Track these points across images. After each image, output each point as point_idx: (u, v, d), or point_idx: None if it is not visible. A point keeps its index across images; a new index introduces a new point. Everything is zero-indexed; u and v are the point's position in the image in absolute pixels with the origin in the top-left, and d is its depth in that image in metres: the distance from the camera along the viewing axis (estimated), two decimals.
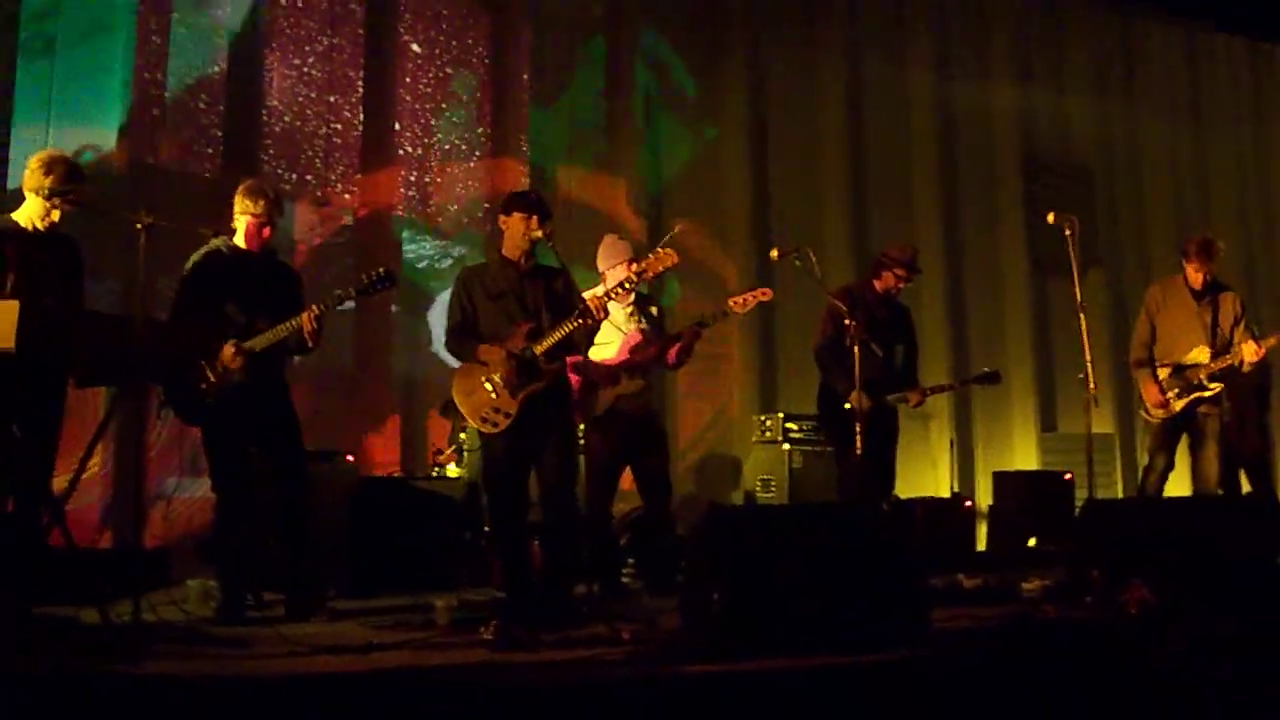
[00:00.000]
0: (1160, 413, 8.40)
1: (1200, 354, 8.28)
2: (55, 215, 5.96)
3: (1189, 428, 8.45)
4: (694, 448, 11.49)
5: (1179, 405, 8.32)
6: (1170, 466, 8.48)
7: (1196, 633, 5.27)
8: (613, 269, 7.72)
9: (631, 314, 7.77)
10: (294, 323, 6.36)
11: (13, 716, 3.95)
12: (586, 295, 6.68)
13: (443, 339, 6.97)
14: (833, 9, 12.75)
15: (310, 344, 6.47)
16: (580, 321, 6.33)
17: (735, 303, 7.79)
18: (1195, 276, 8.47)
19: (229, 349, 6.34)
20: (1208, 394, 8.25)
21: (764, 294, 7.82)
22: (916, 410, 8.76)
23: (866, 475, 7.58)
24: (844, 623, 5.19)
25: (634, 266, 7.08)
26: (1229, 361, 8.20)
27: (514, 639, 5.28)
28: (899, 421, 8.46)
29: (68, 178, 5.94)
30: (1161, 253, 13.36)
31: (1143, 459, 9.15)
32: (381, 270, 6.64)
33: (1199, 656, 5.11)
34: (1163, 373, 8.41)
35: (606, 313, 6.45)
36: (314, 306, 6.39)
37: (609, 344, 7.60)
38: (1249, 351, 8.14)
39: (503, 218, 6.70)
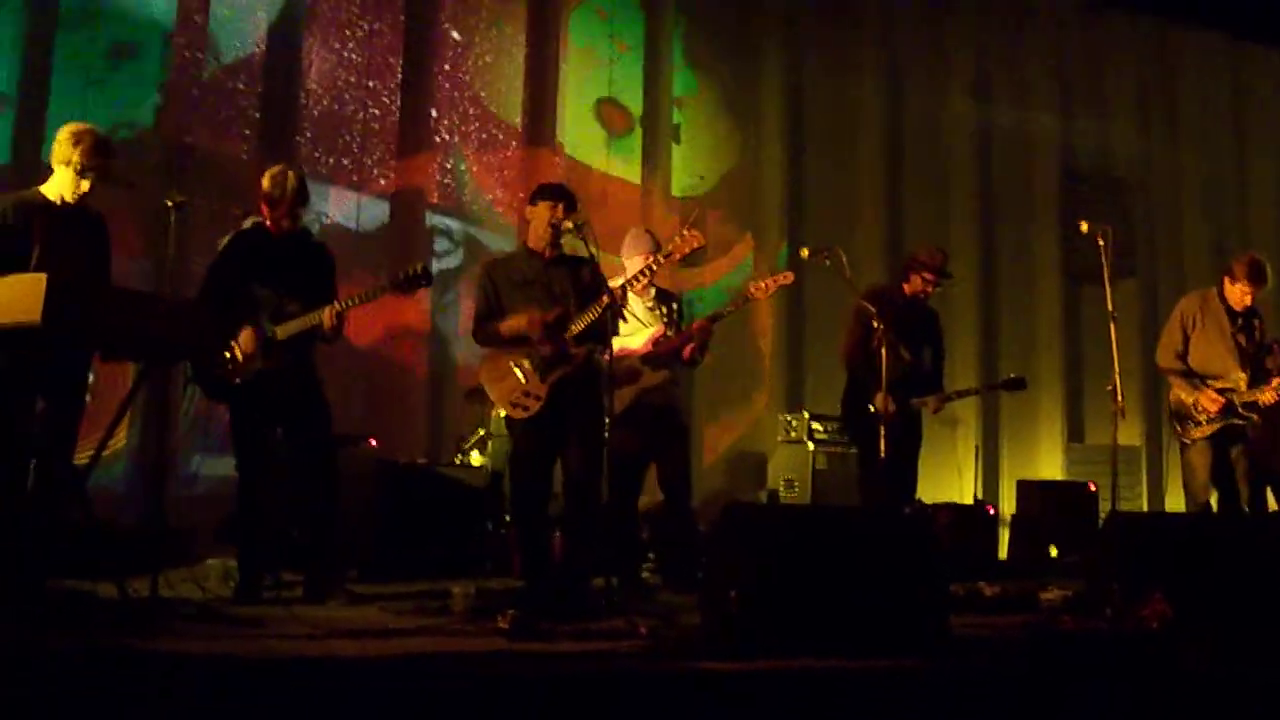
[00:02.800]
0: (1202, 430, 8.21)
1: (1238, 380, 8.14)
2: (83, 187, 5.92)
3: (1220, 447, 8.30)
4: (719, 445, 11.47)
5: (1211, 429, 8.18)
6: (1211, 490, 8.35)
7: (1216, 648, 5.23)
8: (630, 260, 7.69)
9: (653, 308, 7.70)
10: (315, 317, 6.37)
11: (26, 689, 3.96)
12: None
13: (470, 326, 6.94)
14: (871, 17, 12.71)
15: (331, 337, 6.49)
16: (605, 310, 6.30)
17: (756, 288, 7.70)
18: (1241, 298, 8.27)
19: (247, 333, 6.35)
20: (1240, 422, 8.14)
21: (785, 278, 7.76)
22: (943, 415, 8.70)
23: (888, 478, 7.53)
24: (862, 626, 5.17)
25: (662, 249, 7.01)
26: (1263, 398, 8.07)
27: (530, 629, 5.28)
28: (924, 426, 8.40)
29: (96, 151, 5.91)
30: (1197, 265, 13.27)
31: (1169, 474, 9.02)
32: (419, 267, 6.63)
33: (1218, 672, 5.08)
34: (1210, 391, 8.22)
35: (625, 300, 6.44)
36: (334, 304, 6.37)
37: (633, 335, 7.53)
38: (1269, 395, 8.09)
39: (529, 208, 6.69)
